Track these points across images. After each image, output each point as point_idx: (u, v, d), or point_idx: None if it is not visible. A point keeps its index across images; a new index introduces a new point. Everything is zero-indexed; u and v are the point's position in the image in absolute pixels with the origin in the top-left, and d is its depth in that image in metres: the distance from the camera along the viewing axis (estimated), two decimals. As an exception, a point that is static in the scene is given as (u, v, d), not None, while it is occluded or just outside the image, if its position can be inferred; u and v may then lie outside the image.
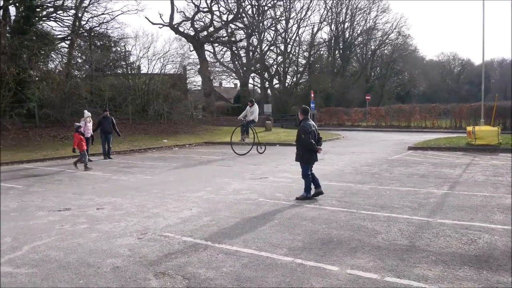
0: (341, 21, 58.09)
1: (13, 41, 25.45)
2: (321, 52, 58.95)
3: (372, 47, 62.86)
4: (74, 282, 4.79)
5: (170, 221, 7.32)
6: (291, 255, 5.49)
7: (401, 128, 35.50)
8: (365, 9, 57.82)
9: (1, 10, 28.00)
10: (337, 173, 12.25)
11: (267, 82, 54.99)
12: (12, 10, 29.27)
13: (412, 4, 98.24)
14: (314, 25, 56.98)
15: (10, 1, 28.36)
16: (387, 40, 61.79)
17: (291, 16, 52.72)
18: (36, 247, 6.05)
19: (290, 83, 56.16)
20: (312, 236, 6.30)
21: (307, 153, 8.80)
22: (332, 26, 57.80)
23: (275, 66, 55.04)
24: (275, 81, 55.66)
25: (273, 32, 53.01)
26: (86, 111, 17.71)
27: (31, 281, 4.85)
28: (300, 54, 56.21)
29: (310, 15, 60.98)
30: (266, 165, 14.67)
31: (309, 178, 8.82)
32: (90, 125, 17.18)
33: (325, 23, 56.92)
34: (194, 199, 9.10)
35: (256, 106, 17.97)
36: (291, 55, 54.56)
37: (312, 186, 8.91)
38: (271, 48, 53.69)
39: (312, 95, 29.53)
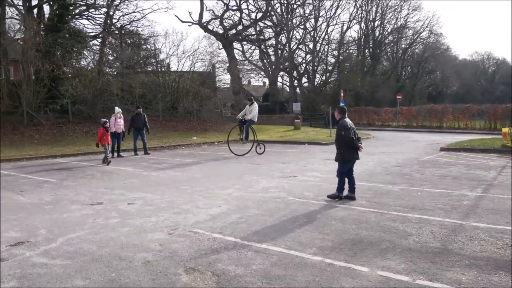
0: (371, 19, 57.40)
1: (47, 38, 26.07)
2: (351, 51, 58.41)
3: (403, 46, 61.86)
4: (107, 274, 4.88)
5: (199, 217, 7.38)
6: (320, 255, 5.46)
7: (432, 128, 34.86)
8: (396, 7, 56.92)
9: (36, 9, 28.72)
10: (367, 173, 12.11)
11: (296, 81, 54.75)
12: (46, 8, 30.01)
13: (445, 3, 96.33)
14: (343, 24, 56.59)
15: (45, 0, 29.07)
16: (419, 39, 60.73)
17: (321, 14, 52.45)
18: (70, 240, 6.19)
19: (319, 81, 55.84)
20: (342, 236, 6.25)
21: (348, 151, 8.58)
22: (362, 24, 57.21)
23: (304, 65, 54.79)
24: (304, 79, 55.41)
25: (302, 30, 52.82)
26: (116, 107, 18.06)
27: (65, 272, 4.97)
28: (329, 53, 55.86)
29: (340, 13, 60.16)
30: (295, 163, 14.62)
31: (344, 178, 8.67)
32: (120, 121, 17.43)
33: (354, 21, 56.45)
34: (223, 196, 9.15)
35: (255, 105, 16.98)
36: (320, 54, 54.24)
37: (347, 188, 8.76)
38: (300, 46, 53.45)
39: (342, 94, 29.27)
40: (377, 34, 59.08)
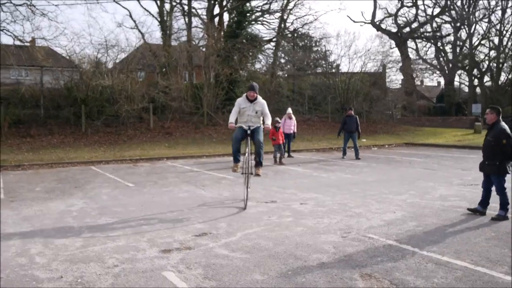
0: None
1: (226, 44, 28.08)
2: (547, 45, 51.26)
3: None
4: (283, 272, 4.97)
5: (373, 222, 7.14)
6: (514, 275, 4.82)
7: None
8: None
9: (217, 17, 31.20)
10: None
11: (476, 80, 50.15)
12: (226, 16, 32.43)
13: None
14: (538, 14, 49.79)
15: (225, 9, 31.41)
16: None
17: (509, 5, 47.04)
18: (247, 235, 6.48)
19: (504, 80, 50.16)
20: (541, 256, 5.45)
21: (504, 162, 7.39)
22: None
23: (486, 62, 49.86)
24: (486, 78, 50.41)
25: (486, 24, 48.09)
26: (289, 108, 18.49)
27: (245, 265, 5.20)
28: (519, 48, 49.78)
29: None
30: (476, 170, 13.18)
31: (505, 192, 7.46)
32: (291, 121, 17.73)
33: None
34: (397, 202, 8.73)
35: (261, 101, 8.81)
36: (507, 49, 48.76)
37: (477, 200, 7.89)
38: (483, 42, 48.76)
39: (533, 94, 25.88)
40: None
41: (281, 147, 16.03)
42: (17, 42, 23.32)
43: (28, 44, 24.48)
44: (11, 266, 5.28)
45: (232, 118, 8.57)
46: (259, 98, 8.80)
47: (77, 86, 23.76)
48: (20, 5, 22.71)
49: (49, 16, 23.67)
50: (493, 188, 7.59)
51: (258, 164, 8.73)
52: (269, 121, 8.56)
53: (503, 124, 7.49)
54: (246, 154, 8.40)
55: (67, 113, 22.90)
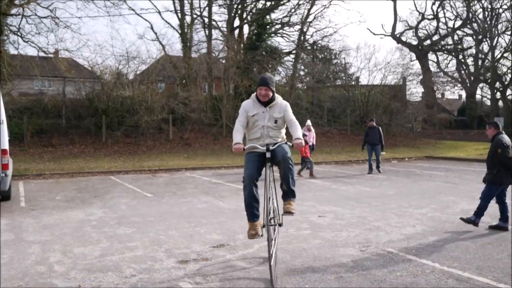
0: None
1: (246, 56, 28.24)
2: None
3: None
4: (301, 285, 4.93)
5: (392, 236, 7.03)
6: (539, 293, 4.69)
7: None
8: None
9: (237, 29, 31.45)
10: None
11: (498, 93, 49.43)
12: (246, 29, 32.68)
13: None
14: None
15: (245, 21, 31.66)
16: None
17: (532, 18, 46.39)
18: (265, 247, 6.39)
19: (527, 94, 49.35)
20: None
21: (500, 173, 7.41)
22: None
23: (509, 75, 49.10)
24: (508, 91, 49.65)
25: (509, 36, 47.47)
26: (308, 120, 18.44)
27: (261, 278, 5.16)
28: (542, 61, 48.95)
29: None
30: (499, 185, 13.08)
31: (488, 203, 7.54)
32: (310, 134, 17.63)
33: None
34: (417, 216, 8.60)
35: (282, 102, 5.85)
36: (530, 62, 47.97)
37: (497, 215, 7.73)
38: (506, 54, 48.10)
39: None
40: None
41: (305, 160, 15.96)
42: (41, 54, 23.83)
43: (51, 55, 24.99)
44: (31, 274, 5.34)
45: (237, 136, 5.53)
46: (278, 99, 5.76)
47: (98, 96, 24.11)
48: (44, 17, 23.24)
49: (73, 28, 24.10)
50: (507, 200, 7.54)
51: (289, 194, 5.61)
52: (299, 132, 5.51)
53: (502, 136, 7.62)
54: (269, 193, 5.61)
55: (88, 123, 23.24)
